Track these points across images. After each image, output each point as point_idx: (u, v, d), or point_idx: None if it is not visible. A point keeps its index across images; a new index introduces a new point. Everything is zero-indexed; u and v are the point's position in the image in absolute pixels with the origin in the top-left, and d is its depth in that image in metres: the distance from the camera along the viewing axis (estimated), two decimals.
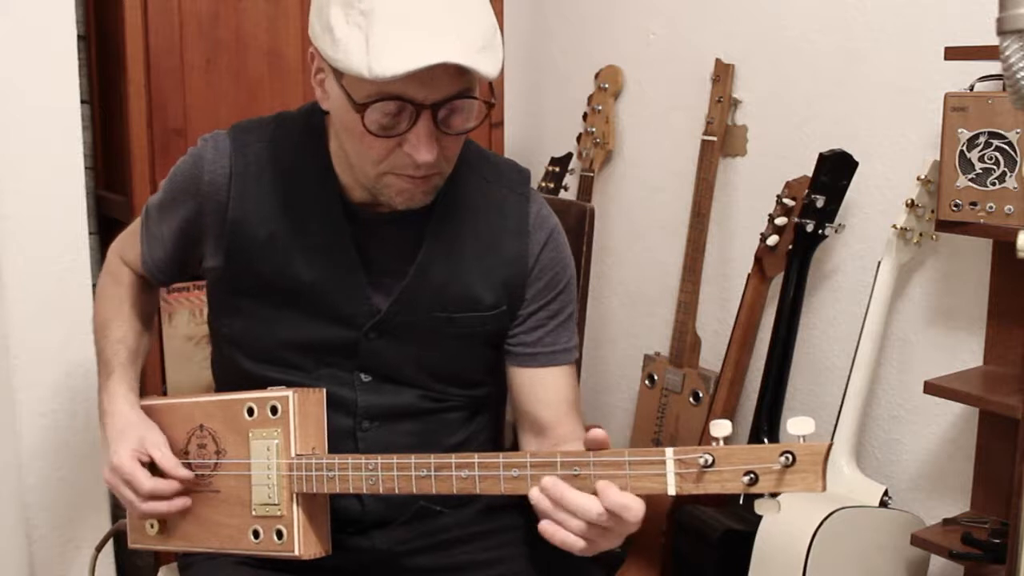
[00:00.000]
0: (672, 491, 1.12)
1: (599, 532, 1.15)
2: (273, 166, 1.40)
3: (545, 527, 1.16)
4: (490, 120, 2.54)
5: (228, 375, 1.52)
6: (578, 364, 1.69)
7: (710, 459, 1.10)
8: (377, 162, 1.30)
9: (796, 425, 1.08)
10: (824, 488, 1.06)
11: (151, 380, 1.82)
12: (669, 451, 1.12)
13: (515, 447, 1.53)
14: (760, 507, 1.11)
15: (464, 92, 1.25)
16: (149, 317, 1.61)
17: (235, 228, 1.40)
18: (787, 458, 1.07)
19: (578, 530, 1.14)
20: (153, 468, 1.40)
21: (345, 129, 1.31)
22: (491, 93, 1.29)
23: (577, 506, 1.14)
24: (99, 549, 1.91)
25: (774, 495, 1.10)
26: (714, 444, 1.11)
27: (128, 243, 1.58)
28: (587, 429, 2.62)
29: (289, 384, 1.41)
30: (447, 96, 1.24)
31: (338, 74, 1.26)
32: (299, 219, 1.40)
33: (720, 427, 1.11)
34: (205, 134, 1.44)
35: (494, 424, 1.57)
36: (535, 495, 1.17)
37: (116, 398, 1.47)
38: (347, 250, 1.39)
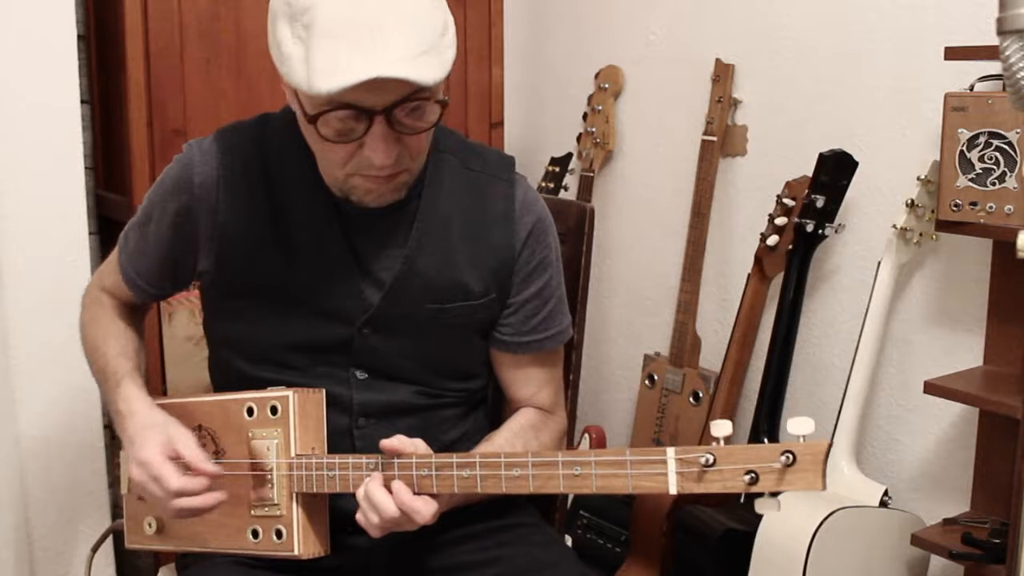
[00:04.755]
0: (673, 490, 1.13)
1: (394, 523, 1.28)
2: (259, 167, 1.40)
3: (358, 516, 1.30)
4: (490, 120, 2.54)
5: (225, 378, 1.51)
6: (578, 358, 1.69)
7: (711, 458, 1.10)
8: (341, 165, 1.31)
9: (796, 425, 1.08)
10: (824, 487, 1.06)
11: (151, 380, 1.81)
12: (670, 451, 1.13)
13: None
14: (760, 506, 1.11)
15: (414, 94, 1.24)
16: (140, 336, 1.58)
17: (224, 230, 1.40)
18: (787, 457, 1.07)
19: (374, 521, 1.28)
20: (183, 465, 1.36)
21: (307, 135, 1.32)
22: (446, 91, 1.29)
23: (377, 502, 1.27)
24: (95, 549, 1.90)
25: (774, 494, 1.10)
26: (715, 444, 1.12)
27: (107, 272, 1.57)
28: (587, 430, 2.62)
29: (286, 384, 1.40)
30: (396, 100, 1.24)
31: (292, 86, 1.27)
32: (287, 218, 1.40)
33: (720, 427, 1.12)
34: (191, 140, 1.44)
35: (491, 421, 1.57)
36: (359, 493, 1.30)
37: (133, 400, 1.43)
38: (337, 246, 1.40)
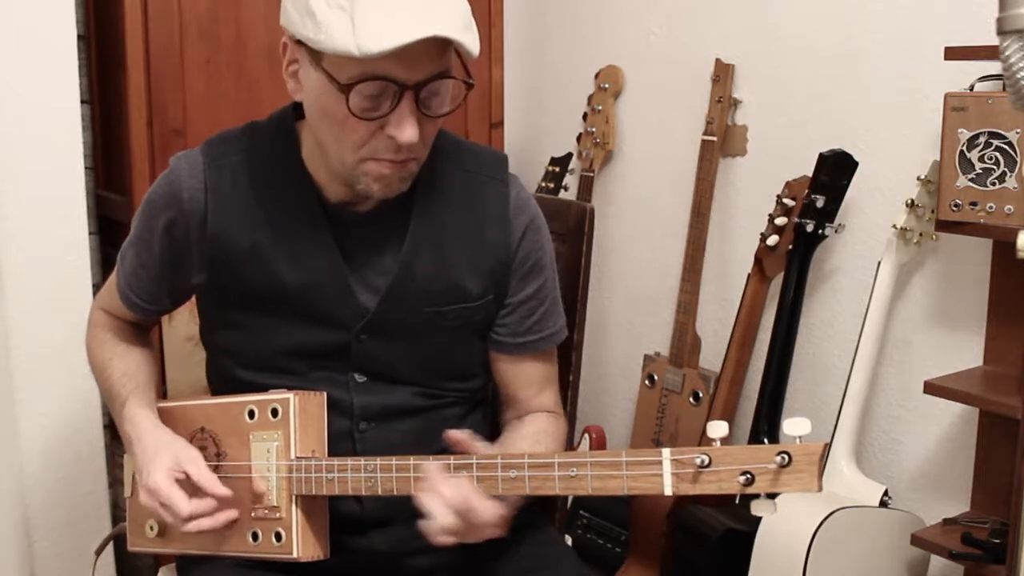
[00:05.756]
0: (668, 491, 1.12)
1: (461, 527, 1.23)
2: (248, 175, 1.40)
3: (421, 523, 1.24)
4: (490, 120, 2.54)
5: (223, 384, 1.51)
6: (578, 358, 1.69)
7: (706, 459, 1.10)
8: (358, 147, 1.30)
9: (792, 426, 1.08)
10: (820, 488, 1.06)
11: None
12: (666, 451, 1.13)
13: None
14: (756, 508, 1.11)
15: (444, 72, 1.28)
16: (146, 350, 1.57)
17: (215, 241, 1.39)
18: (783, 458, 1.07)
19: (443, 523, 1.23)
20: (191, 484, 1.36)
21: (325, 116, 1.30)
22: (468, 75, 1.31)
23: (443, 490, 1.23)
24: (99, 553, 1.90)
25: (771, 496, 1.10)
26: (713, 444, 1.12)
27: (107, 293, 1.57)
28: (587, 430, 2.61)
29: (285, 389, 1.40)
30: (429, 76, 1.26)
31: (317, 59, 1.26)
32: (279, 225, 1.39)
33: (716, 428, 1.12)
34: (177, 153, 1.44)
35: (491, 422, 1.57)
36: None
37: (137, 421, 1.42)
38: (330, 252, 1.39)
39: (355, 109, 1.25)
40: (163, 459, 1.36)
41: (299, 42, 1.28)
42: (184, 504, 1.33)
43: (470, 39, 1.25)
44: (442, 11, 1.23)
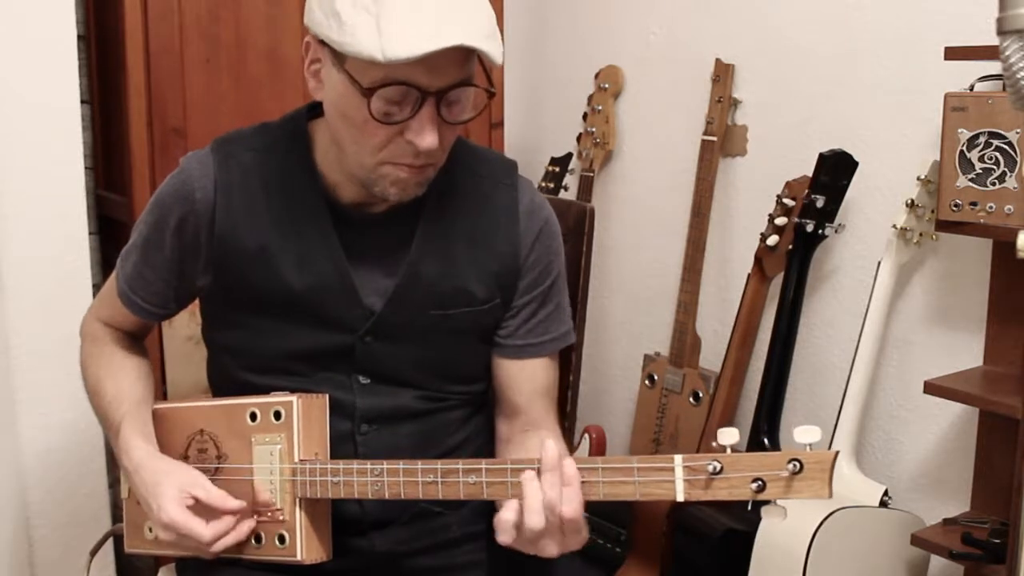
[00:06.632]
0: (681, 497, 1.13)
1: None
2: (258, 175, 1.39)
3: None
4: (490, 120, 2.54)
5: (224, 384, 1.50)
6: (578, 358, 1.69)
7: (718, 466, 1.10)
8: (377, 150, 1.29)
9: (803, 434, 1.09)
10: (831, 495, 1.07)
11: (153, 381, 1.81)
12: (678, 458, 1.13)
13: None
14: (767, 513, 1.11)
15: (467, 80, 1.27)
16: (142, 359, 1.55)
17: (222, 241, 1.38)
18: (795, 466, 1.07)
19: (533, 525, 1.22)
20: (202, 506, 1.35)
21: (344, 118, 1.30)
22: (490, 83, 1.31)
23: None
24: (93, 553, 1.90)
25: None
26: (725, 451, 1.12)
27: (102, 303, 1.55)
28: (587, 430, 2.62)
29: (287, 390, 1.40)
30: (452, 83, 1.25)
31: (340, 60, 1.26)
32: (287, 226, 1.39)
33: (727, 435, 1.12)
34: (188, 153, 1.43)
35: (493, 425, 1.57)
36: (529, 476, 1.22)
37: (132, 452, 1.39)
38: (337, 254, 1.39)
39: (376, 113, 1.25)
40: (167, 490, 1.34)
41: (322, 42, 1.27)
42: (204, 530, 1.32)
43: (494, 48, 1.24)
44: (468, 19, 1.22)
